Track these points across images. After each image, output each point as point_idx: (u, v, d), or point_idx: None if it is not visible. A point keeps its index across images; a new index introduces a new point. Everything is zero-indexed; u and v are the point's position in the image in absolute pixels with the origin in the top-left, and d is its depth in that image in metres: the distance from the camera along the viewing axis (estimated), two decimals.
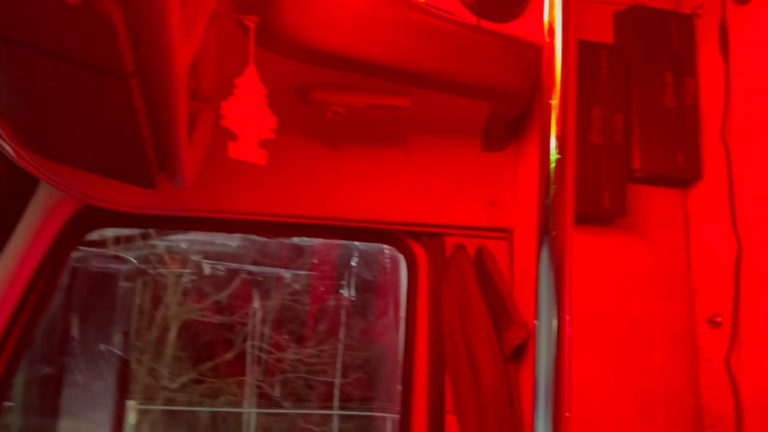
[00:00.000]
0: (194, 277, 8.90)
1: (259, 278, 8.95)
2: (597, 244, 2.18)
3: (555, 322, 1.08)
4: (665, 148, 2.19)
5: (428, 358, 2.25)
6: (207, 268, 8.70)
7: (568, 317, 1.08)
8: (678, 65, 2.25)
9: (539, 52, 1.19)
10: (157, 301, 8.98)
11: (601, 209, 2.12)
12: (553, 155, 1.11)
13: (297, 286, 9.13)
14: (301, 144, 2.21)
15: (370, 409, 9.24)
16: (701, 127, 2.23)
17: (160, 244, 8.40)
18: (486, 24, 1.90)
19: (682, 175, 2.20)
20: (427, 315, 2.28)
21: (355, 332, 9.18)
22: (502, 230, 2.32)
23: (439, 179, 2.30)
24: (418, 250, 2.33)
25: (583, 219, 2.13)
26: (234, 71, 1.54)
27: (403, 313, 2.36)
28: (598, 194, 2.12)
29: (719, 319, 2.08)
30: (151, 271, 8.63)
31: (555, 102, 1.15)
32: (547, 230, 1.11)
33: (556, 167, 1.11)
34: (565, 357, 1.07)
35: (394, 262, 2.50)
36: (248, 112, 1.37)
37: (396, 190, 2.26)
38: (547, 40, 1.15)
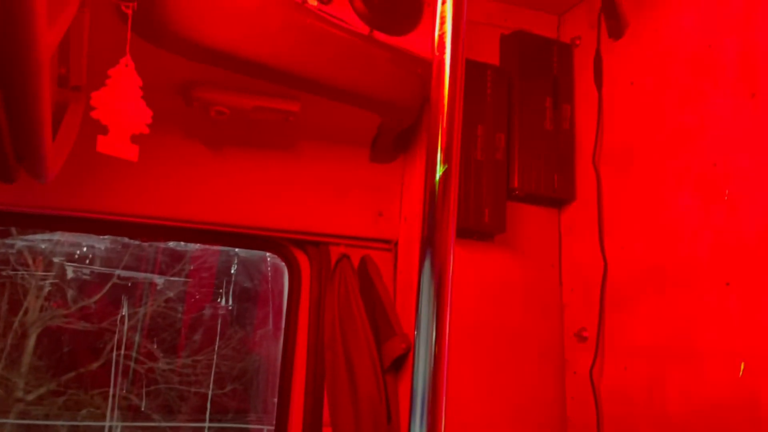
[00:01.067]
0: (58, 281, 8.28)
1: (129, 284, 8.48)
2: (476, 258, 2.24)
3: (434, 334, 1.08)
4: (543, 170, 2.29)
5: (307, 369, 2.20)
6: (70, 272, 8.11)
7: (447, 330, 1.08)
8: (557, 91, 2.36)
9: (429, 68, 1.19)
10: (14, 305, 8.26)
11: (482, 225, 2.18)
12: (440, 168, 1.11)
13: (172, 294, 8.73)
14: (181, 144, 2.10)
15: (245, 421, 8.99)
16: (576, 151, 2.36)
17: (19, 243, 7.75)
18: (378, 35, 1.90)
19: (558, 195, 2.32)
20: (308, 325, 2.23)
21: (232, 342, 8.92)
22: (387, 241, 2.32)
23: (326, 188, 2.27)
24: (302, 258, 2.28)
25: (464, 233, 2.18)
26: (111, 61, 1.43)
27: (283, 323, 2.30)
28: (480, 210, 2.17)
29: (586, 334, 2.20)
30: (9, 273, 7.93)
31: (443, 116, 1.15)
32: (429, 243, 1.10)
33: (440, 181, 1.11)
34: (442, 369, 1.06)
35: (276, 271, 2.44)
36: (121, 105, 1.27)
37: (281, 197, 2.20)
38: (436, 53, 1.15)
